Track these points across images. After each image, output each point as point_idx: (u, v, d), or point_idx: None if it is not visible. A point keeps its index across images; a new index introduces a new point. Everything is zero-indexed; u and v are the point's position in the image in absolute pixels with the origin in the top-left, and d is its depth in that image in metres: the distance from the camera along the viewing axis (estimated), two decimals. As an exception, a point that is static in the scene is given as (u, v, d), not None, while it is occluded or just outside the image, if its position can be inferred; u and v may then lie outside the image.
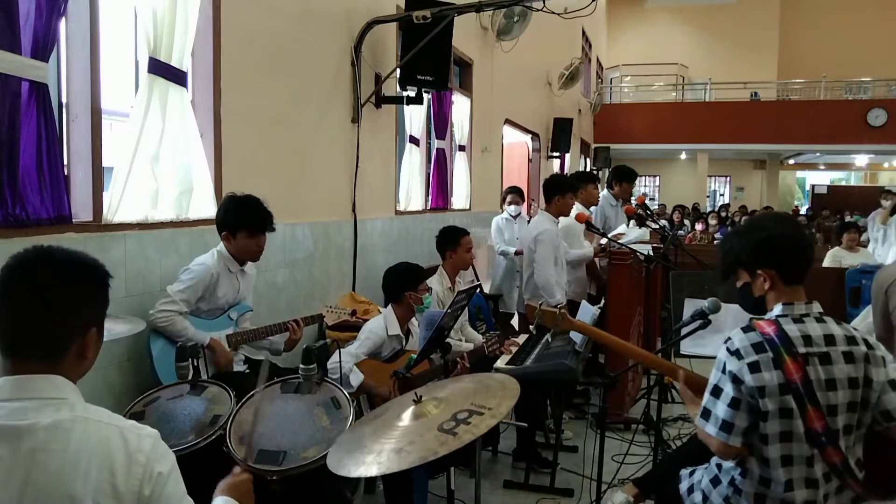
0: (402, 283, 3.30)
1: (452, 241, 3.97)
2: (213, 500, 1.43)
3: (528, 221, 5.37)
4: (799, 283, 1.84)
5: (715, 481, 1.91)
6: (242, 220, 2.88)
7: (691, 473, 2.06)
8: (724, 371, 1.78)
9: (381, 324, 3.21)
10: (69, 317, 1.22)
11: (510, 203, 6.05)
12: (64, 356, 1.22)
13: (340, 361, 2.71)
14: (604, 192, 5.60)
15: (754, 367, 1.71)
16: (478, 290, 5.12)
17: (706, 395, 1.83)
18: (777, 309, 1.83)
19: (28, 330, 1.20)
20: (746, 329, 1.79)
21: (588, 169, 15.90)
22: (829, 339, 1.76)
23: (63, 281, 1.23)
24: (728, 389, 1.76)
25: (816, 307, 1.84)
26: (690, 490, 2.01)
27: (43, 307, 1.20)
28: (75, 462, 1.14)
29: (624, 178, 5.53)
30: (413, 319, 3.41)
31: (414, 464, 1.50)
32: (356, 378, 2.89)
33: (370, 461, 1.56)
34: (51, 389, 1.19)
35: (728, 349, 1.78)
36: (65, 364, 1.23)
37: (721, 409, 1.77)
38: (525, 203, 6.75)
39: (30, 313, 1.20)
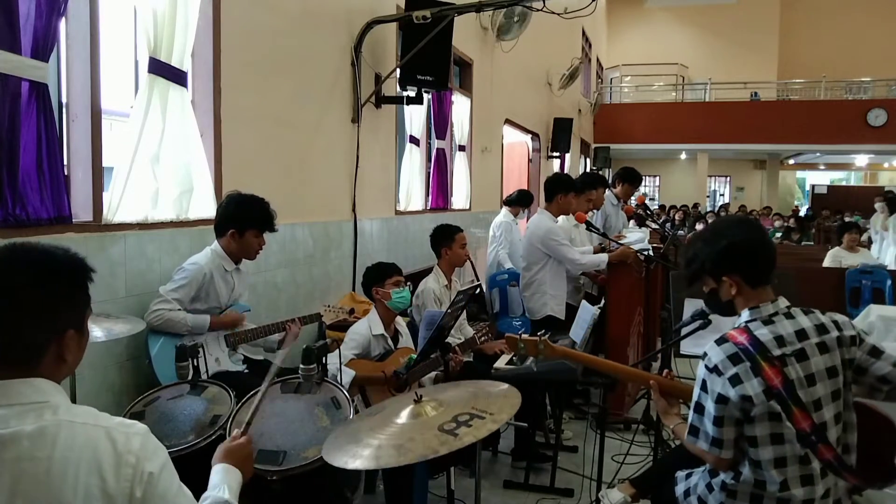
0: (369, 281, 3.29)
1: (447, 238, 3.96)
2: (213, 469, 1.41)
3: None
4: (765, 283, 1.86)
5: (710, 487, 1.92)
6: (254, 218, 2.88)
7: (688, 476, 2.06)
8: (705, 389, 1.80)
9: (364, 324, 3.20)
10: (41, 320, 1.17)
11: (527, 209, 6.13)
12: (40, 360, 1.18)
13: (340, 361, 2.70)
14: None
15: (735, 380, 1.73)
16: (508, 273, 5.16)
17: (691, 412, 1.85)
18: (745, 315, 1.85)
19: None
20: (720, 342, 1.80)
21: (588, 169, 15.90)
22: (801, 335, 1.78)
23: (34, 282, 1.17)
24: (710, 408, 1.77)
25: (783, 302, 1.85)
26: (687, 494, 2.01)
27: (12, 311, 1.15)
28: (62, 468, 1.11)
29: (627, 179, 5.53)
30: (399, 318, 3.39)
31: (414, 461, 1.49)
32: (347, 376, 2.88)
33: (368, 455, 1.56)
34: (32, 393, 1.15)
35: (706, 366, 1.79)
36: (42, 368, 1.18)
37: (709, 427, 1.79)
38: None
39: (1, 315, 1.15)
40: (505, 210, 6.20)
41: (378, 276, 3.27)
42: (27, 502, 1.10)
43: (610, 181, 5.77)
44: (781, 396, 1.70)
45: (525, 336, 2.36)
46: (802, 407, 1.71)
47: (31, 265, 1.18)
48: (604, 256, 4.40)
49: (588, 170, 15.66)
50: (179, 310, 2.76)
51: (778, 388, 1.70)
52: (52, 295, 1.19)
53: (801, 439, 1.71)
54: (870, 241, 8.53)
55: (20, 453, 1.10)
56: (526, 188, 8.88)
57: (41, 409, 1.14)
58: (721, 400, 1.75)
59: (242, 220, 2.87)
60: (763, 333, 1.77)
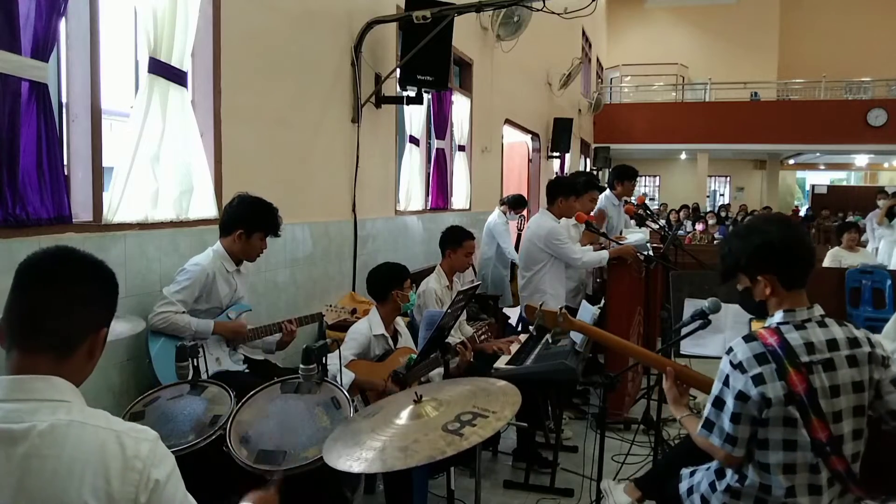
0: (388, 282, 3.28)
1: (455, 241, 3.95)
2: None
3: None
4: (800, 286, 1.81)
5: (713, 486, 1.90)
6: (264, 222, 2.90)
7: (692, 474, 2.06)
8: (726, 384, 1.76)
9: (365, 325, 3.20)
10: (88, 312, 1.23)
11: (519, 213, 6.92)
12: (73, 353, 1.21)
13: (340, 363, 2.70)
14: (605, 193, 5.59)
15: (758, 380, 1.70)
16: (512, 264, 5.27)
17: (708, 405, 1.82)
18: (778, 316, 1.80)
19: (45, 321, 1.19)
20: (748, 339, 1.76)
21: (588, 169, 15.89)
22: (832, 344, 1.74)
23: (87, 277, 1.25)
24: (730, 404, 1.75)
25: (818, 310, 1.81)
26: (690, 491, 2.01)
27: (65, 300, 1.21)
28: (69, 468, 1.12)
29: (625, 177, 5.53)
30: (399, 318, 3.38)
31: (422, 462, 1.48)
32: (346, 378, 2.88)
33: (373, 457, 1.54)
34: (49, 391, 1.17)
35: (731, 362, 1.76)
36: (71, 362, 1.21)
37: (725, 423, 1.76)
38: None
39: (51, 305, 1.20)
40: (498, 210, 6.75)
41: (397, 279, 3.27)
42: (31, 499, 1.11)
43: (608, 184, 5.75)
44: (802, 403, 1.67)
45: (544, 307, 2.36)
46: (822, 417, 1.68)
47: (84, 262, 1.27)
48: (604, 253, 4.40)
49: (588, 170, 15.65)
50: (184, 312, 2.76)
51: (801, 395, 1.67)
52: (100, 291, 1.26)
53: (814, 448, 1.69)
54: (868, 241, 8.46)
55: (30, 450, 1.11)
56: (523, 193, 9.23)
57: (56, 407, 1.15)
58: (741, 397, 1.72)
59: (253, 221, 2.88)
60: (794, 338, 1.73)
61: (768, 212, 15.59)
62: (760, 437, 1.73)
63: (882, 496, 1.83)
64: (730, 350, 1.78)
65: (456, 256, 3.94)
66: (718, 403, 1.79)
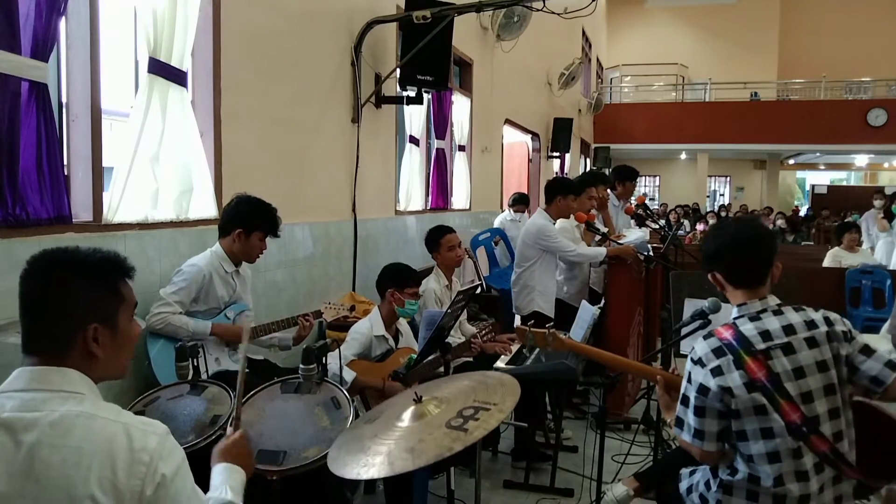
0: (387, 280, 3.26)
1: (433, 244, 3.91)
2: (213, 470, 1.43)
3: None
4: (750, 284, 1.89)
5: (709, 485, 1.93)
6: (263, 221, 2.90)
7: (692, 473, 2.07)
8: (689, 381, 1.84)
9: (366, 324, 3.19)
10: (60, 313, 1.23)
11: (517, 211, 7.17)
12: (67, 353, 1.23)
13: (340, 361, 2.70)
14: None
15: (716, 372, 1.76)
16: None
17: (678, 404, 1.89)
18: (734, 312, 1.89)
19: (31, 328, 1.24)
20: (706, 337, 1.85)
21: (588, 169, 15.90)
22: (789, 329, 1.80)
23: (54, 279, 1.25)
24: (692, 399, 1.81)
25: (773, 300, 1.88)
26: (690, 490, 2.02)
27: (38, 305, 1.24)
28: (77, 459, 1.14)
29: (626, 177, 5.53)
30: (402, 319, 3.36)
31: (431, 461, 1.47)
32: (348, 375, 2.88)
33: (381, 462, 1.53)
34: (62, 382, 1.20)
35: (692, 359, 1.84)
36: (71, 361, 1.23)
37: (690, 417, 1.82)
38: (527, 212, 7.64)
39: (29, 311, 1.24)
40: (508, 209, 7.19)
41: (399, 280, 3.23)
42: (40, 486, 1.13)
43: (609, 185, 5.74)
44: (766, 389, 1.72)
45: (534, 328, 2.36)
46: (790, 399, 1.72)
47: (56, 263, 1.27)
48: (601, 249, 4.41)
49: (588, 169, 15.67)
50: (181, 313, 2.76)
51: (762, 381, 1.72)
52: (67, 290, 1.25)
53: (791, 432, 1.72)
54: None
55: (40, 439, 1.14)
56: (525, 191, 9.35)
57: (67, 398, 1.19)
58: (702, 390, 1.78)
59: (252, 221, 2.88)
60: (748, 329, 1.81)
61: (766, 212, 15.61)
62: (737, 429, 1.77)
63: (882, 481, 1.85)
64: (692, 349, 1.86)
65: (441, 256, 3.92)
66: (685, 400, 1.86)
